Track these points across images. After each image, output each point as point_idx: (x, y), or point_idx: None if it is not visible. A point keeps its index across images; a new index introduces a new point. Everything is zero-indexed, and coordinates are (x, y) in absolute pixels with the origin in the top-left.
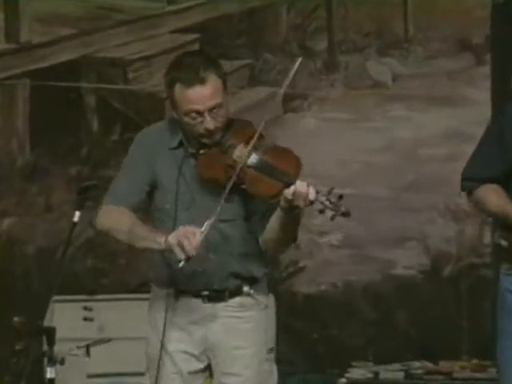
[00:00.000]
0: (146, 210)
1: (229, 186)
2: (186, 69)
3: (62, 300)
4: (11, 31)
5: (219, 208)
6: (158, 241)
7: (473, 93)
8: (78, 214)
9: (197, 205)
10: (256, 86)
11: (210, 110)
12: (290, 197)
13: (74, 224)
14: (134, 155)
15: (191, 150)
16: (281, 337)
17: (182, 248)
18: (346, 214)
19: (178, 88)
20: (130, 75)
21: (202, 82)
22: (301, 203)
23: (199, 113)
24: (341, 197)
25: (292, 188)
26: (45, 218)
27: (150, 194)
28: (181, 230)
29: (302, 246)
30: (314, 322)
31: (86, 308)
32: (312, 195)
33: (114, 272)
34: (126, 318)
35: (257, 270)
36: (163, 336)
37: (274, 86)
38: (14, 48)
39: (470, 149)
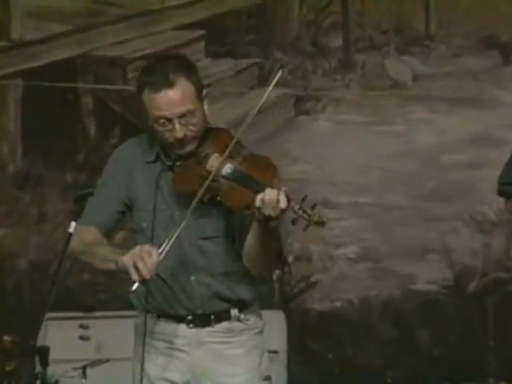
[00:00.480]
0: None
1: (198, 196)
2: (155, 73)
3: (57, 317)
4: (1, 27)
5: (182, 225)
6: (116, 260)
7: (500, 94)
8: (74, 224)
9: (176, 222)
10: (266, 86)
11: (180, 116)
12: (258, 204)
13: (70, 235)
14: (107, 173)
15: (168, 163)
16: (292, 357)
17: (137, 270)
18: (320, 224)
19: (146, 93)
20: (130, 75)
21: (170, 85)
22: (271, 212)
23: (168, 120)
24: (314, 205)
25: (260, 195)
26: (38, 230)
27: (126, 214)
28: (136, 249)
29: (314, 258)
30: (329, 341)
31: (82, 326)
32: (283, 203)
33: (112, 287)
34: (125, 336)
35: (244, 292)
36: (142, 361)
37: (285, 87)
38: (5, 46)
39: (496, 154)
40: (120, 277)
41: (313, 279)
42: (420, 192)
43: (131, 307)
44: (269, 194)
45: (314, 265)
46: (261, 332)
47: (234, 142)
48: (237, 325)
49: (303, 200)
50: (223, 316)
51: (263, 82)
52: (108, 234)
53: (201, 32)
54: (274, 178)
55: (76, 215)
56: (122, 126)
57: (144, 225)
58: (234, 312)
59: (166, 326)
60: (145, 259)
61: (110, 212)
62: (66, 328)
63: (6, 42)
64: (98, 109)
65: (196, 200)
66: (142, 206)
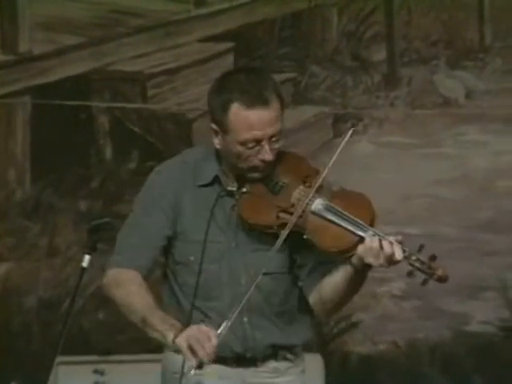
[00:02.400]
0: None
1: (282, 237)
2: (244, 87)
3: (69, 361)
4: (8, 40)
5: (254, 285)
6: (165, 336)
7: None
8: (87, 258)
9: (230, 255)
10: (301, 104)
11: (270, 137)
12: (362, 253)
13: (83, 270)
14: (147, 198)
15: (230, 188)
16: None
17: (194, 353)
18: (443, 279)
19: (235, 109)
20: (150, 92)
21: (266, 103)
22: (381, 263)
23: (257, 141)
24: (434, 257)
25: (367, 243)
26: (48, 264)
27: (166, 248)
28: (193, 330)
29: (355, 296)
30: None
31: (97, 371)
32: (399, 255)
33: (130, 328)
34: (145, 383)
35: (297, 337)
36: None
37: (323, 105)
38: (12, 60)
39: None
40: None
41: (354, 319)
42: (473, 222)
43: (151, 350)
44: (379, 242)
45: (356, 303)
46: (303, 372)
47: (324, 173)
48: (283, 363)
49: (420, 250)
50: (270, 356)
51: (298, 99)
52: (148, 275)
53: (229, 44)
54: (374, 218)
55: (90, 248)
56: (141, 148)
57: (191, 258)
58: (282, 352)
59: (207, 366)
60: (203, 343)
61: (153, 249)
62: (79, 373)
63: (13, 55)
64: (115, 129)
65: (282, 238)
66: (190, 237)
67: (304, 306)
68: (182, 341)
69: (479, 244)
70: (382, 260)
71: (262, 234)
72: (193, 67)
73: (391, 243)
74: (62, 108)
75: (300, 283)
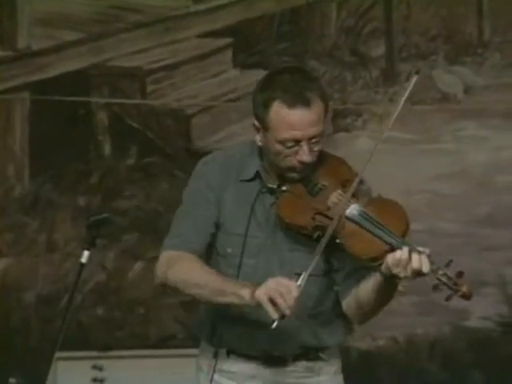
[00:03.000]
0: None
1: (325, 239)
2: (287, 86)
3: (68, 357)
4: (7, 36)
5: (314, 261)
6: (241, 295)
7: None
8: (86, 253)
9: (267, 251)
10: None
11: (310, 139)
12: (392, 262)
13: (82, 266)
14: (195, 190)
15: (271, 185)
16: None
17: (275, 306)
18: (467, 297)
19: (276, 107)
20: (149, 88)
21: (308, 104)
22: (407, 275)
23: (296, 141)
24: (461, 273)
25: (397, 254)
26: (47, 259)
27: (216, 235)
28: (272, 283)
29: None
30: (371, 383)
31: (95, 367)
32: (426, 268)
33: (130, 324)
34: (144, 379)
35: (329, 339)
36: None
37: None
38: (10, 56)
39: None
40: (138, 312)
41: None
42: (472, 217)
43: (150, 346)
44: (408, 254)
45: None
46: (336, 372)
47: (359, 176)
48: (315, 363)
49: (448, 265)
50: (302, 356)
51: None
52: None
53: (228, 40)
54: (407, 229)
55: (89, 243)
56: (140, 144)
57: (229, 250)
58: (314, 352)
59: (236, 365)
60: (284, 294)
61: (204, 235)
62: (77, 369)
63: (11, 51)
64: (114, 125)
65: (324, 243)
66: (230, 229)
67: (340, 310)
68: (261, 294)
69: (478, 239)
70: (409, 272)
71: (299, 234)
72: (192, 63)
73: (420, 256)
74: (61, 104)
75: (336, 287)
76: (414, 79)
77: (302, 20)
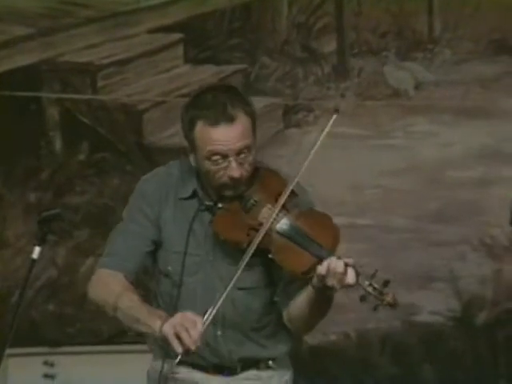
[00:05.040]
0: (149, 272)
1: (248, 254)
2: (209, 105)
3: (18, 353)
4: None
5: (230, 286)
6: (152, 326)
7: (511, 104)
8: (38, 249)
9: (207, 269)
10: (251, 95)
11: (238, 154)
12: (323, 273)
13: (34, 262)
14: (134, 207)
15: (208, 203)
16: None
17: (180, 340)
18: (393, 305)
19: (199, 127)
20: (100, 83)
21: (231, 120)
22: (335, 284)
23: (224, 156)
24: (387, 282)
25: (325, 264)
26: None
27: (154, 253)
28: (178, 317)
29: None
30: (322, 379)
31: (46, 363)
32: (351, 279)
33: (81, 319)
34: (96, 374)
35: (276, 349)
36: None
37: (273, 96)
38: None
39: (507, 170)
40: (89, 308)
41: None
42: (423, 213)
43: (101, 342)
44: (335, 264)
45: None
46: (289, 381)
47: (288, 192)
48: (265, 372)
49: (373, 275)
50: (251, 364)
51: (249, 90)
52: (134, 278)
53: (179, 35)
54: (337, 242)
55: (40, 239)
56: (91, 140)
57: (169, 268)
58: (263, 362)
59: (185, 372)
60: (189, 329)
61: (140, 254)
62: (28, 365)
63: None
64: (65, 121)
65: (246, 258)
66: (170, 247)
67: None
68: (167, 328)
69: (429, 234)
70: (335, 281)
71: (238, 250)
72: (143, 58)
73: (346, 267)
74: (12, 99)
75: (275, 298)
76: (333, 118)
77: (253, 16)
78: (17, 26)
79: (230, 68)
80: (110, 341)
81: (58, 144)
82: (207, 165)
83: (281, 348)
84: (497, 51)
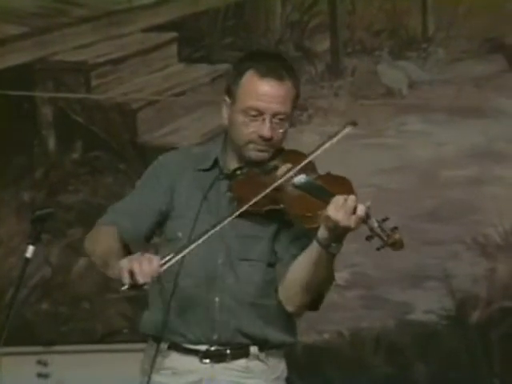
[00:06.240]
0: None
1: (259, 195)
2: (265, 59)
3: (12, 352)
4: None
5: (207, 235)
6: (116, 266)
7: (504, 103)
8: (31, 248)
9: (212, 238)
10: None
11: (274, 115)
12: (332, 211)
13: (27, 260)
14: (150, 174)
15: (227, 171)
16: None
17: (131, 274)
18: (397, 246)
19: (249, 75)
20: (94, 82)
21: (280, 78)
22: (345, 220)
23: (260, 113)
24: (395, 228)
25: (334, 200)
26: None
27: (161, 225)
28: (137, 254)
29: None
30: (315, 378)
31: (40, 362)
32: (361, 211)
33: (75, 319)
34: (89, 374)
35: (273, 334)
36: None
37: None
38: None
39: (500, 170)
40: (83, 307)
41: None
42: (416, 212)
43: (95, 341)
44: (345, 198)
45: None
46: (278, 379)
47: (311, 157)
48: (255, 364)
49: (384, 220)
50: (241, 352)
51: None
52: (129, 242)
53: (173, 34)
54: (351, 192)
55: (34, 238)
56: (85, 138)
57: (179, 234)
58: (254, 349)
59: (176, 359)
60: (143, 265)
61: (140, 217)
62: (22, 364)
63: None
64: (59, 120)
65: (254, 200)
66: (182, 212)
67: (285, 311)
68: (124, 262)
69: (422, 233)
70: (345, 216)
71: (250, 222)
72: (137, 57)
73: (356, 200)
74: (5, 98)
75: (275, 275)
76: (348, 130)
77: (246, 15)
78: (10, 25)
79: (224, 67)
80: (103, 340)
81: (51, 143)
82: (241, 117)
83: (274, 335)
84: (490, 50)
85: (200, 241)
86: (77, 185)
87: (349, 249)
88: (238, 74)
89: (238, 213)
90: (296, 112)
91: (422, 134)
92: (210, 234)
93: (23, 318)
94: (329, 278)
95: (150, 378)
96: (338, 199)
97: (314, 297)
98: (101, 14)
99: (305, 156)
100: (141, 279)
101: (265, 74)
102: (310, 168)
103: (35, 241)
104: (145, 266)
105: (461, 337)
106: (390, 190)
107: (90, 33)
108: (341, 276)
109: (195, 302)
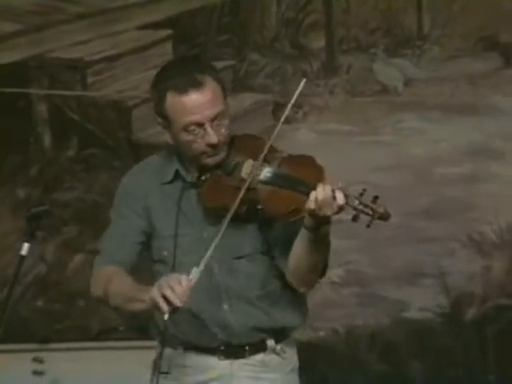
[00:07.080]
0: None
1: (233, 207)
2: (176, 74)
3: (7, 350)
4: None
5: (214, 244)
6: (143, 299)
7: (500, 100)
8: (26, 246)
9: (200, 247)
10: (240, 91)
11: (212, 120)
12: (312, 206)
13: (23, 258)
14: (120, 203)
15: (191, 179)
16: None
17: (165, 299)
18: (385, 217)
19: (169, 98)
20: (90, 79)
21: (199, 86)
22: (327, 211)
23: (199, 125)
24: (376, 198)
25: (313, 194)
26: None
27: (148, 245)
28: (162, 279)
29: None
30: (311, 375)
31: (35, 359)
32: (341, 199)
33: (70, 316)
34: (85, 371)
35: (283, 315)
36: None
37: (262, 93)
38: None
39: (496, 167)
40: (79, 304)
41: None
42: (412, 209)
43: (90, 338)
44: (322, 190)
45: None
46: (293, 370)
47: (268, 144)
48: (272, 358)
49: (362, 194)
50: (258, 347)
51: (238, 86)
52: (132, 269)
53: (168, 31)
54: (321, 175)
55: (29, 236)
56: (80, 136)
57: (165, 253)
58: (270, 343)
59: (194, 359)
60: (173, 287)
61: (130, 245)
62: (17, 362)
63: None
64: (54, 117)
65: (231, 212)
66: (162, 233)
67: (290, 289)
68: (154, 292)
69: (417, 231)
70: (327, 209)
71: (232, 221)
72: (132, 54)
73: (333, 192)
74: (0, 95)
75: (276, 261)
76: (303, 83)
77: (242, 12)
78: (6, 22)
79: (219, 64)
80: (98, 337)
81: (46, 140)
82: (184, 136)
83: (289, 318)
84: (485, 48)
85: (212, 248)
86: (72, 182)
87: (343, 246)
88: (160, 100)
89: (224, 226)
90: (291, 109)
91: (418, 131)
92: (213, 245)
93: (19, 316)
94: (329, 248)
95: (158, 375)
96: (317, 194)
97: (321, 268)
98: (96, 11)
99: (258, 141)
100: (178, 302)
101: (183, 89)
102: (270, 153)
103: (30, 238)
104: (177, 288)
105: (456, 334)
106: (386, 187)
107: (86, 30)
108: (336, 273)
109: (205, 315)
